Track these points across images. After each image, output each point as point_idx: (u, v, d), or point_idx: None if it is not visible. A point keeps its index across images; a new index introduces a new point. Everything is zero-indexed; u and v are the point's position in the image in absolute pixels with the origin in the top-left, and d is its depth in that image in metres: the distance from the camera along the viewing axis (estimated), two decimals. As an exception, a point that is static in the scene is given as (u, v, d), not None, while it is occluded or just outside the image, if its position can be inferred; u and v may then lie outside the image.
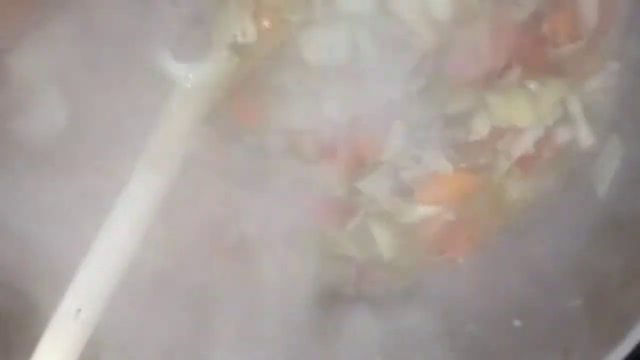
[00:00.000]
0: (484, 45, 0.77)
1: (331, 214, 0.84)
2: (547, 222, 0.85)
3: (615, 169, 0.82)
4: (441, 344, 0.80)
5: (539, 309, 0.79)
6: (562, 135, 0.83)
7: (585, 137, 0.83)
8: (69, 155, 0.76)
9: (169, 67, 0.75)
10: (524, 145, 0.82)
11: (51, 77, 0.76)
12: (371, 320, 0.83)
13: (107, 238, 0.71)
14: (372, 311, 0.85)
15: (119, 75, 0.75)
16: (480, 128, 0.81)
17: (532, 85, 0.80)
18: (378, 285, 0.88)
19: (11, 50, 0.76)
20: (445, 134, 0.80)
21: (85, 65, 0.75)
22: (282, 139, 0.79)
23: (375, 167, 0.83)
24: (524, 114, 0.81)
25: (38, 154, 0.76)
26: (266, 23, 0.75)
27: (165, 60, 0.75)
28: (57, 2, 0.74)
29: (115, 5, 0.75)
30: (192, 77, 0.75)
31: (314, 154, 0.80)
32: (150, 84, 0.76)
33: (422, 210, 0.86)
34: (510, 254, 0.84)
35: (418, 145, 0.81)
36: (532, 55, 0.80)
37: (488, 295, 0.82)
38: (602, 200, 0.82)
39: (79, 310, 0.68)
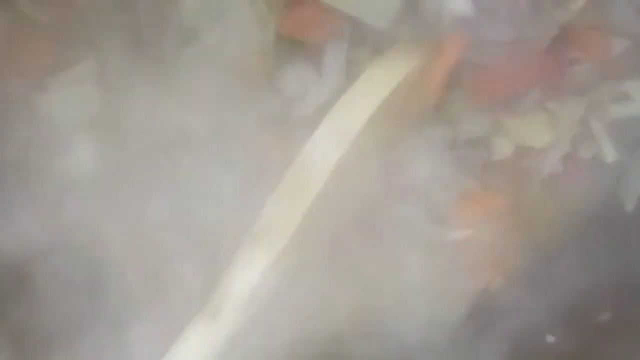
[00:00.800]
0: (506, 66, 0.79)
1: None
2: (577, 238, 0.86)
3: (641, 184, 0.83)
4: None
5: (571, 324, 0.80)
6: (586, 152, 0.84)
7: (608, 153, 0.84)
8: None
9: None
10: (550, 162, 0.84)
11: (79, 116, 0.81)
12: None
13: None
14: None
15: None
16: (503, 148, 0.83)
17: (551, 106, 0.82)
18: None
19: (40, 89, 0.80)
20: (469, 154, 0.82)
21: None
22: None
23: (410, 193, 0.85)
24: (541, 135, 0.82)
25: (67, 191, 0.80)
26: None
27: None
28: (84, 45, 0.79)
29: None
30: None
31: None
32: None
33: (455, 234, 0.87)
34: (542, 271, 0.85)
35: (444, 167, 0.83)
36: (553, 76, 0.81)
37: (521, 312, 0.83)
38: (630, 215, 0.83)
39: None
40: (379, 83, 0.75)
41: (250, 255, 0.71)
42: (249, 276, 0.71)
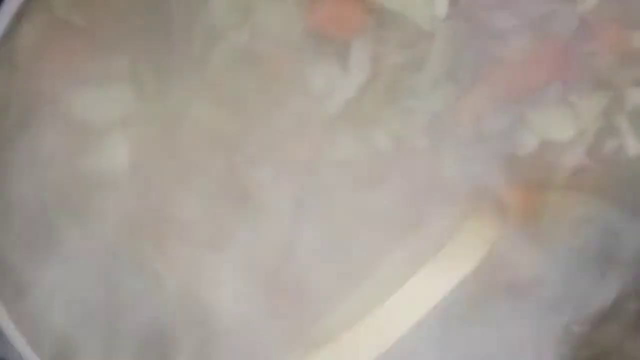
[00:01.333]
0: (528, 60, 0.81)
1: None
2: (600, 231, 0.87)
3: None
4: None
5: (597, 314, 0.81)
6: (609, 145, 0.85)
7: (633, 145, 0.85)
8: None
9: None
10: (574, 156, 0.85)
11: (113, 115, 0.82)
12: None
13: None
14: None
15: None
16: (528, 141, 0.84)
17: (573, 99, 0.83)
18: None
19: (74, 90, 0.82)
20: (493, 148, 0.84)
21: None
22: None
23: (435, 190, 0.85)
24: (564, 128, 0.83)
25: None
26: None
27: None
28: (117, 46, 0.81)
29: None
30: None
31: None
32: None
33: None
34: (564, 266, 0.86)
35: (470, 163, 0.84)
36: (575, 70, 0.82)
37: (550, 304, 0.84)
38: (655, 206, 0.84)
39: None
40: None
41: None
42: None
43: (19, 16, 0.81)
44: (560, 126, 0.83)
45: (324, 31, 0.80)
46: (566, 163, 0.85)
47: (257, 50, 0.81)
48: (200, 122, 0.83)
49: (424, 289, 0.73)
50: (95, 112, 0.83)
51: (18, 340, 0.80)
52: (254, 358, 0.80)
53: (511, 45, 0.80)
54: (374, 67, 0.81)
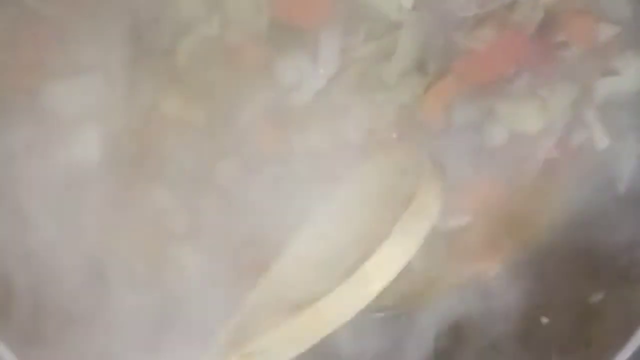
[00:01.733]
0: (494, 50, 0.81)
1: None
2: (571, 222, 0.87)
3: (633, 167, 0.84)
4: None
5: (564, 306, 0.81)
6: (578, 138, 0.85)
7: (600, 138, 0.85)
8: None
9: None
10: (543, 148, 0.85)
11: (84, 107, 0.82)
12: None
13: None
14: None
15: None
16: (497, 134, 0.84)
17: (542, 91, 0.83)
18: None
19: (45, 82, 0.82)
20: (463, 140, 0.84)
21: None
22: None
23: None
24: (533, 120, 0.83)
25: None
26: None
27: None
28: (88, 38, 0.81)
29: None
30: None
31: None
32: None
33: (453, 221, 0.88)
34: (536, 254, 0.86)
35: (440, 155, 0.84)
36: (542, 62, 0.82)
37: (518, 297, 0.84)
38: (623, 197, 0.84)
39: None
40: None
41: None
42: None
43: (-10, 7, 0.81)
44: (529, 118, 0.84)
45: (291, 21, 0.80)
46: (536, 155, 0.86)
47: (226, 42, 0.81)
48: (170, 114, 0.83)
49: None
50: (67, 104, 0.83)
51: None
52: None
53: (477, 36, 0.80)
54: (343, 58, 0.81)
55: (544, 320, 0.83)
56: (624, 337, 0.74)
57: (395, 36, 0.81)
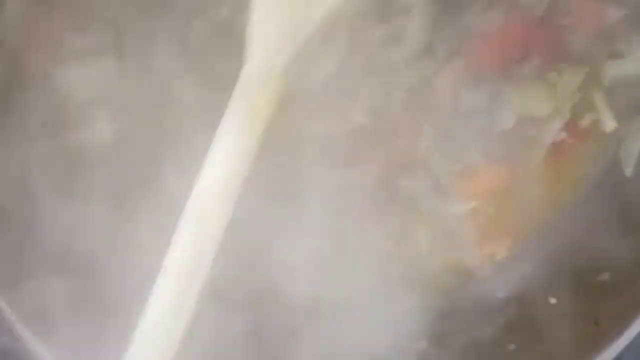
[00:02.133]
0: (502, 33, 0.82)
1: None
2: (579, 204, 0.88)
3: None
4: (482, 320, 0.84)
5: (572, 286, 0.82)
6: (586, 121, 0.86)
7: (607, 121, 0.86)
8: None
9: None
10: (552, 132, 0.86)
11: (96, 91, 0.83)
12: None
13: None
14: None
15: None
16: (506, 118, 0.85)
17: (550, 75, 0.84)
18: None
19: (57, 64, 0.83)
20: (471, 124, 0.84)
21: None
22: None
23: (414, 166, 0.87)
24: (541, 104, 0.84)
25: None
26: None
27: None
28: (100, 21, 0.82)
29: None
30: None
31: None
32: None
33: (460, 206, 0.89)
34: (544, 236, 0.87)
35: (449, 139, 0.85)
36: (550, 45, 0.83)
37: (525, 279, 0.85)
38: (630, 181, 0.85)
39: None
40: None
41: None
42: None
43: (2, -7, 0.82)
44: (537, 102, 0.84)
45: None
46: (544, 138, 0.86)
47: (237, 24, 0.82)
48: (182, 97, 0.84)
49: None
50: (79, 86, 0.84)
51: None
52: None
53: (486, 20, 0.81)
54: (353, 42, 0.82)
55: (552, 300, 0.83)
56: (632, 314, 0.75)
57: (405, 20, 0.82)
